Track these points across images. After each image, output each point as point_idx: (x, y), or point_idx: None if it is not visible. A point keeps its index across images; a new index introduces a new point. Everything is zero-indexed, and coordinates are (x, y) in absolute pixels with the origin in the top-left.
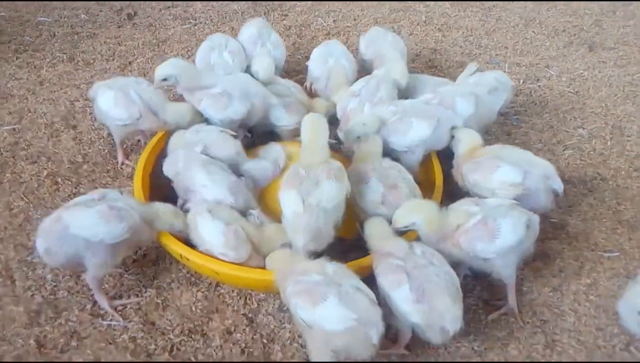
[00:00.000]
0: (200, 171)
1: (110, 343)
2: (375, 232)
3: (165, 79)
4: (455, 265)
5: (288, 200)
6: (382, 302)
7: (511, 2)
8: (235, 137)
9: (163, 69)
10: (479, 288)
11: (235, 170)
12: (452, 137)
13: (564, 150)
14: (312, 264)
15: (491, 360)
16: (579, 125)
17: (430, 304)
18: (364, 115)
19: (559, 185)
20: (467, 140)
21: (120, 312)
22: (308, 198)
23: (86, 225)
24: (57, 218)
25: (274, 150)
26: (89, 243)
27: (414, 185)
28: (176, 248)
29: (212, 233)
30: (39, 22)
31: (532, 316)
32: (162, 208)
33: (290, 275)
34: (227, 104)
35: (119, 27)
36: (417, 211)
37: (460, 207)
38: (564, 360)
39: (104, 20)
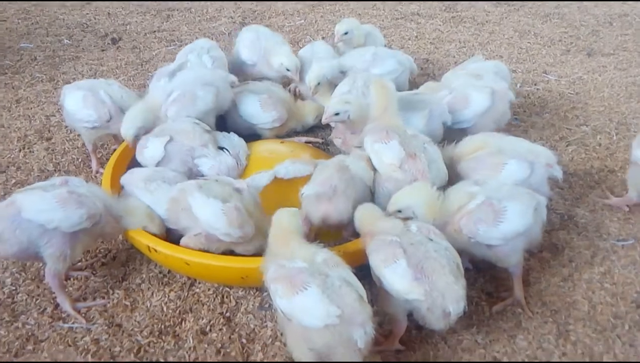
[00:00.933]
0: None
1: (69, 346)
2: (366, 215)
3: (137, 136)
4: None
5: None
6: (375, 288)
7: (504, 17)
8: (208, 131)
9: (128, 130)
10: (481, 281)
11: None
12: None
13: (567, 146)
14: (302, 249)
15: (496, 354)
16: (582, 123)
17: (430, 283)
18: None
19: (559, 172)
20: None
21: (83, 315)
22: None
23: (40, 209)
24: (10, 201)
25: (235, 143)
26: (44, 231)
27: (443, 167)
28: (143, 240)
29: (210, 213)
30: (20, 48)
31: (541, 306)
32: (138, 207)
33: (275, 258)
34: (193, 98)
35: (103, 50)
36: (415, 194)
37: (461, 188)
38: (579, 350)
39: (88, 45)
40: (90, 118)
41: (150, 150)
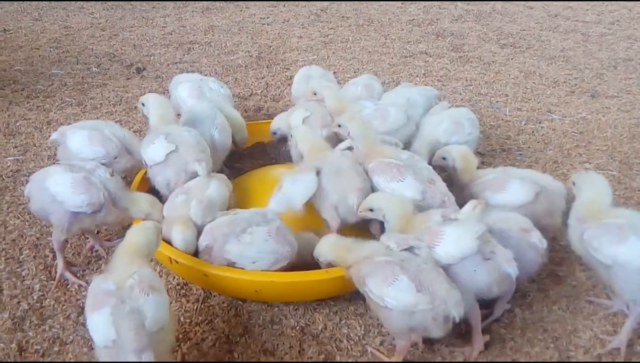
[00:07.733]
0: None
1: (92, 349)
2: (339, 247)
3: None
4: None
5: None
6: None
7: (510, 59)
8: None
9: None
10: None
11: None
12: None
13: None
14: (121, 270)
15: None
16: (585, 161)
17: (431, 292)
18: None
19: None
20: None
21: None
22: None
23: (56, 182)
24: (46, 169)
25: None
26: (54, 201)
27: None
28: (165, 251)
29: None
30: (52, 74)
31: (543, 333)
32: (139, 197)
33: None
34: None
35: (128, 79)
36: (392, 201)
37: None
38: None
39: (114, 73)
40: (98, 154)
41: (153, 151)
